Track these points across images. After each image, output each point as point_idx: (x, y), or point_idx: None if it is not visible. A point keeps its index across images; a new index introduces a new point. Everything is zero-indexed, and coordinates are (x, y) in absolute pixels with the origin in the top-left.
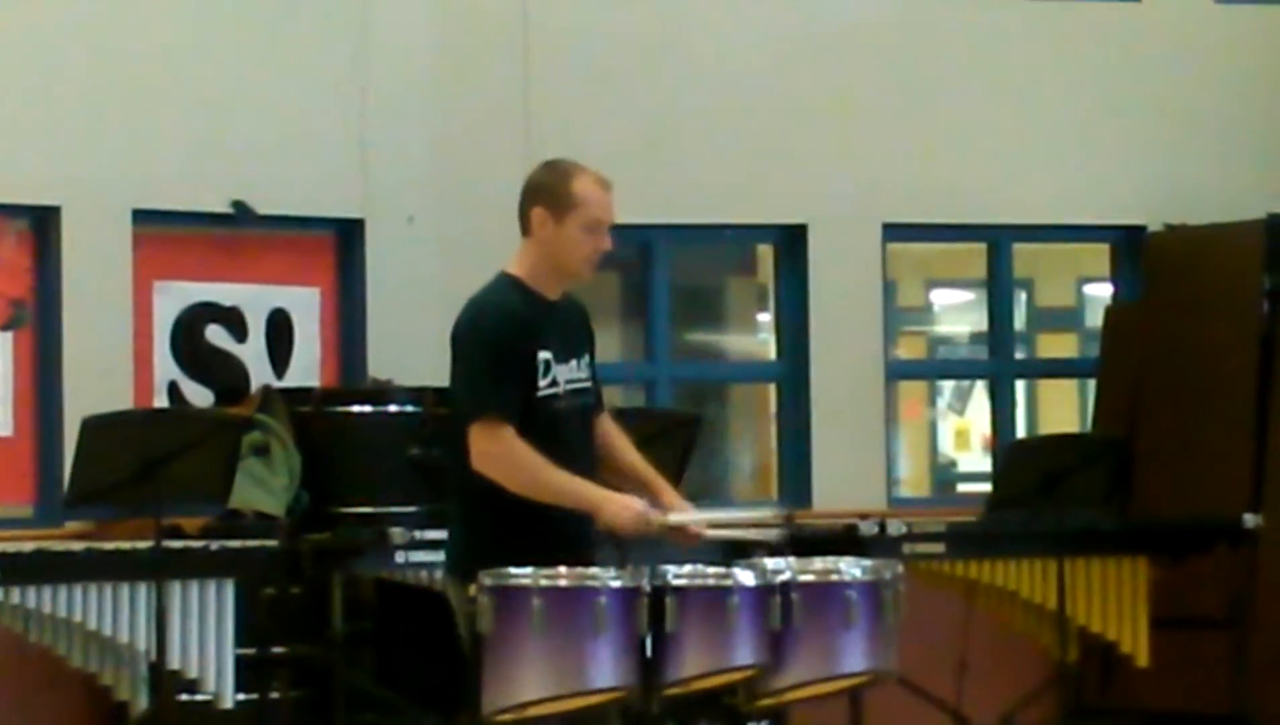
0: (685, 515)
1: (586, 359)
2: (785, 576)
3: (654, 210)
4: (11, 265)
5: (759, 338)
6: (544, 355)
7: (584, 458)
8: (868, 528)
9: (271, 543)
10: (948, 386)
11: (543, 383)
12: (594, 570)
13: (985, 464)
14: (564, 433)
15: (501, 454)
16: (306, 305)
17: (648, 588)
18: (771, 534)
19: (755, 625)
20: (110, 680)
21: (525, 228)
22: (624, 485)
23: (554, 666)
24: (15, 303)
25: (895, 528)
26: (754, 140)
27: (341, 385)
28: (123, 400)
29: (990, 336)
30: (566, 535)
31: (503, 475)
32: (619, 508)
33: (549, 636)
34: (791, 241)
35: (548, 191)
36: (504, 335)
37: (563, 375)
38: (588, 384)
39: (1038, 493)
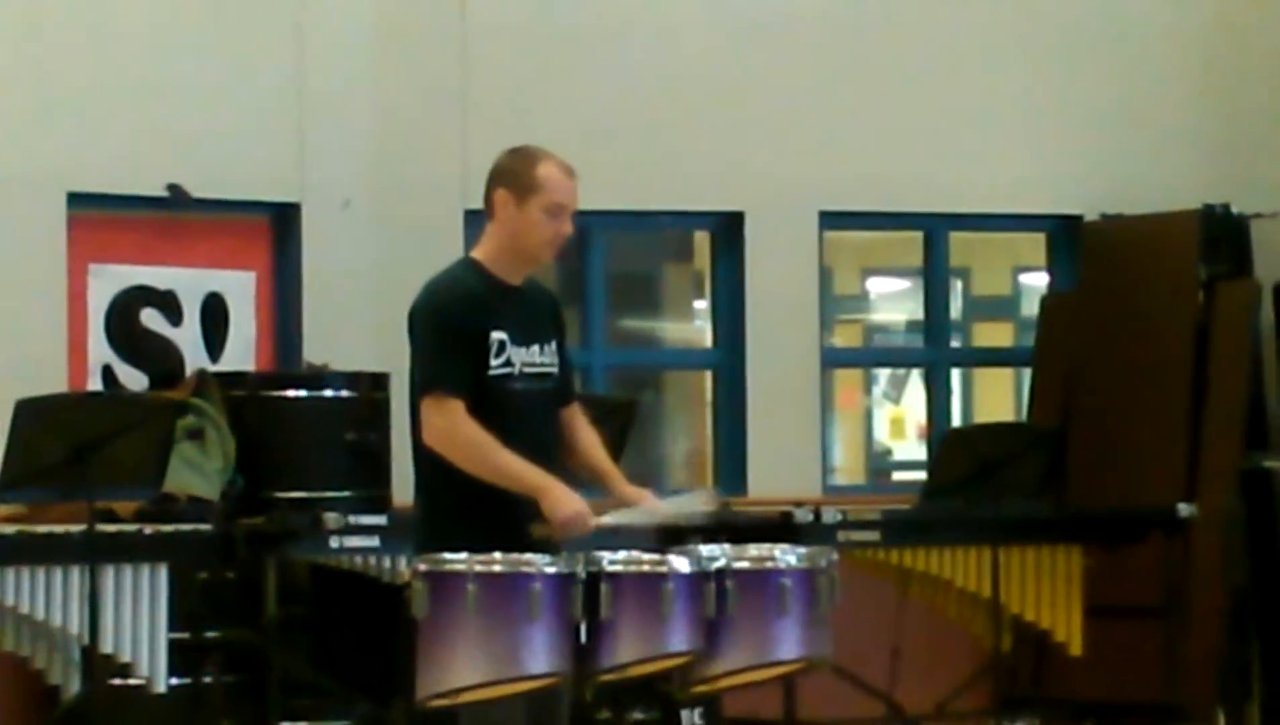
0: (620, 517)
1: (553, 346)
2: (720, 563)
3: (591, 196)
4: None
5: (695, 325)
6: (498, 335)
7: (541, 441)
8: (803, 515)
9: (205, 527)
10: (883, 375)
11: (495, 362)
12: (529, 556)
13: (920, 452)
14: (518, 414)
15: (448, 429)
16: (242, 289)
17: (583, 574)
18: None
19: (690, 612)
20: (42, 664)
21: (489, 211)
22: (581, 474)
23: (488, 652)
24: None
25: (830, 515)
26: (691, 127)
27: (277, 370)
28: (57, 383)
29: (926, 325)
30: (523, 513)
31: (448, 450)
32: (560, 500)
33: (483, 622)
34: (728, 229)
35: (511, 174)
36: (454, 312)
37: (519, 357)
38: (552, 370)
39: (973, 481)
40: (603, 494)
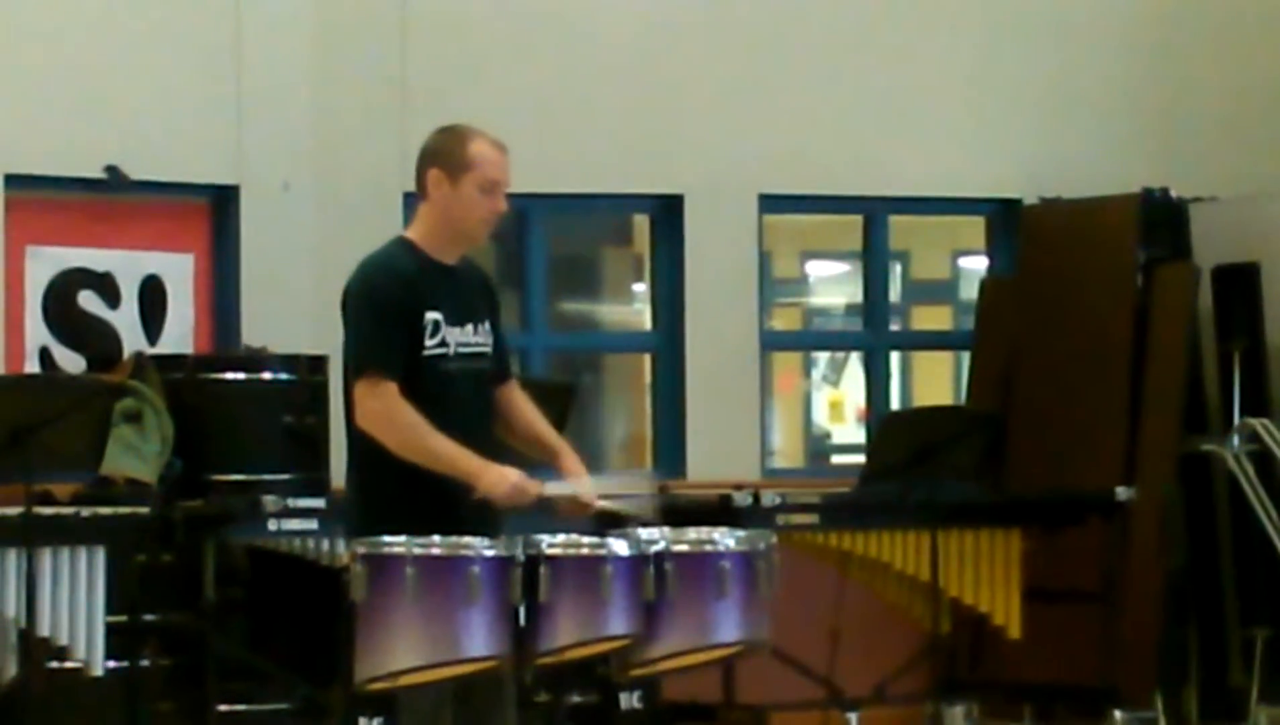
0: (561, 486)
1: (487, 326)
2: (659, 546)
3: (530, 180)
4: None
5: (635, 308)
6: (432, 316)
7: (475, 421)
8: (742, 498)
9: (143, 510)
10: (822, 358)
11: (430, 342)
12: (468, 539)
13: (859, 436)
14: (453, 394)
15: (382, 412)
16: (180, 272)
17: (521, 557)
18: (649, 502)
19: (629, 595)
20: None
21: (421, 191)
22: (528, 451)
23: (427, 635)
24: None
25: (769, 499)
26: (631, 110)
27: (215, 352)
28: None
29: (865, 308)
30: (457, 496)
31: (382, 433)
32: (496, 478)
33: (422, 605)
34: (668, 212)
35: (444, 154)
36: (388, 293)
37: (454, 337)
38: (485, 349)
39: (911, 465)
40: (550, 469)
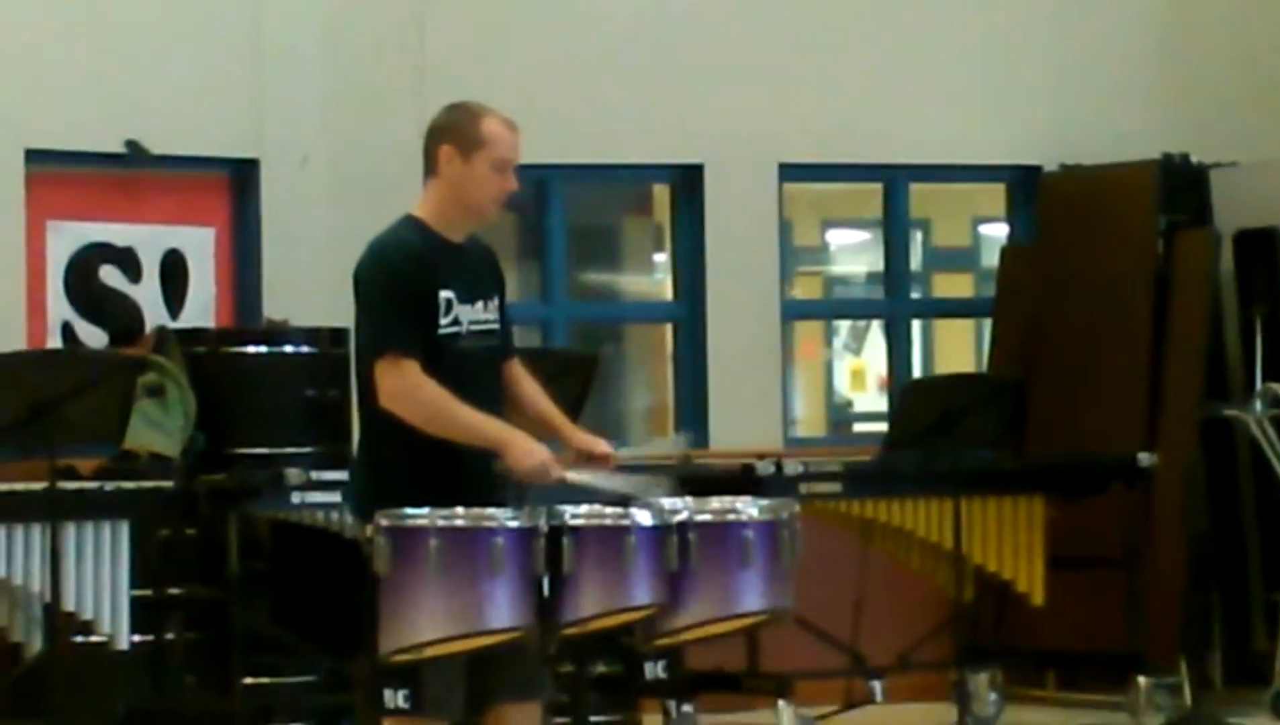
0: (584, 475)
1: (495, 302)
2: (682, 516)
3: (550, 150)
4: None
5: (655, 278)
6: (445, 294)
7: (488, 398)
8: (764, 467)
9: (167, 484)
10: (844, 326)
11: (444, 321)
12: (491, 510)
13: (881, 404)
14: (467, 372)
15: (408, 390)
16: (201, 246)
17: (545, 528)
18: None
19: (652, 565)
20: (4, 622)
21: (431, 167)
22: (530, 429)
23: (451, 607)
24: None
25: (792, 467)
26: (650, 80)
27: (237, 326)
28: (16, 341)
29: (886, 276)
30: (470, 474)
31: (409, 411)
32: (525, 451)
33: (446, 577)
34: (688, 181)
35: (456, 130)
36: (404, 272)
37: (466, 315)
38: (494, 326)
39: (934, 432)
40: (557, 445)
